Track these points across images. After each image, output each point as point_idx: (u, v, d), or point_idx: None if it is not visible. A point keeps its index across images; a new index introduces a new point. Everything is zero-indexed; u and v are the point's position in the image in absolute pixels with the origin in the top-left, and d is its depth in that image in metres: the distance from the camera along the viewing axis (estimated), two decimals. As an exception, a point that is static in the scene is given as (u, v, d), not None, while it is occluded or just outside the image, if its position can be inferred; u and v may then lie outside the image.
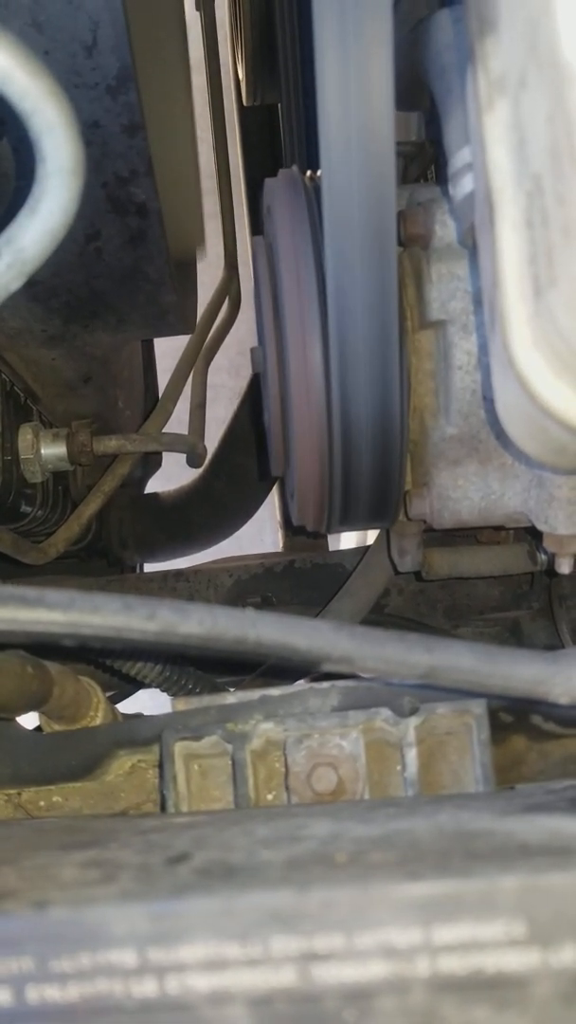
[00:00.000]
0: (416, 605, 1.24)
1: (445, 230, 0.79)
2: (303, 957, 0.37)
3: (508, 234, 0.48)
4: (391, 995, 0.37)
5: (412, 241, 0.80)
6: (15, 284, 0.58)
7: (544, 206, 0.44)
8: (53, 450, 1.19)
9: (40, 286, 0.99)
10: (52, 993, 0.37)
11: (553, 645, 1.20)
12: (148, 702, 1.24)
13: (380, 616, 1.22)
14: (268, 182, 0.87)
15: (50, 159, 0.53)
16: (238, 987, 0.37)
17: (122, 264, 0.97)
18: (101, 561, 1.60)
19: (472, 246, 0.68)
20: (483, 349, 0.78)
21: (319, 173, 0.80)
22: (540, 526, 0.80)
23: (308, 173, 0.86)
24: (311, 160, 1.12)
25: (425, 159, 1.07)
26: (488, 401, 0.79)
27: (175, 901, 0.38)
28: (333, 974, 0.37)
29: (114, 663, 1.00)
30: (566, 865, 0.38)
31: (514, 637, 1.23)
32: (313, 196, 0.81)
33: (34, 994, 0.37)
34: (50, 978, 0.37)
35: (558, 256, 0.43)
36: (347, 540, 1.91)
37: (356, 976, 0.37)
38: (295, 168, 0.87)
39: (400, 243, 0.79)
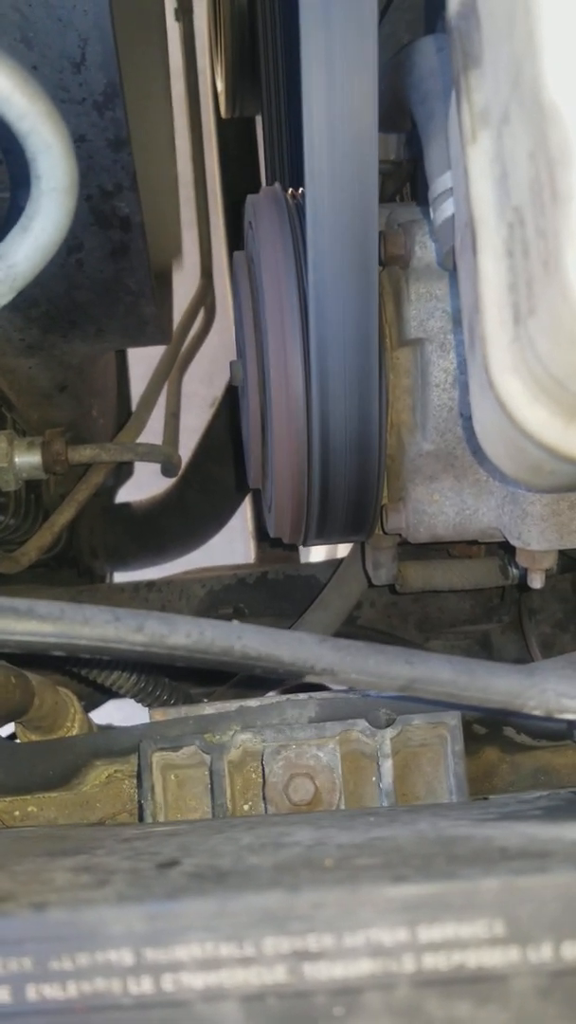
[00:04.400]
0: (388, 617, 1.25)
1: (424, 251, 0.81)
2: (294, 956, 0.38)
3: (490, 263, 0.50)
4: (378, 991, 0.38)
5: (392, 261, 0.82)
6: (5, 298, 0.59)
7: (525, 238, 0.46)
8: (27, 459, 1.19)
9: (20, 296, 0.99)
10: (51, 992, 0.38)
11: (522, 658, 1.22)
12: (115, 713, 1.25)
13: (352, 628, 1.23)
14: (251, 198, 0.88)
15: (45, 178, 0.55)
16: (231, 984, 0.38)
17: (103, 276, 0.98)
18: (71, 571, 1.59)
19: (452, 268, 0.70)
20: (460, 367, 0.80)
21: (301, 191, 0.82)
22: (513, 541, 0.82)
23: (290, 191, 0.88)
24: (292, 173, 1.13)
25: (401, 177, 1.09)
26: (464, 418, 0.81)
27: (170, 903, 0.39)
28: (323, 972, 0.38)
29: (89, 673, 1.00)
30: (544, 867, 0.40)
31: (484, 650, 1.25)
32: (296, 214, 0.82)
33: (33, 993, 0.38)
34: (49, 977, 0.38)
35: (538, 287, 0.45)
36: (317, 552, 1.92)
37: (345, 973, 0.38)
38: (278, 185, 0.88)
39: (380, 262, 0.81)
